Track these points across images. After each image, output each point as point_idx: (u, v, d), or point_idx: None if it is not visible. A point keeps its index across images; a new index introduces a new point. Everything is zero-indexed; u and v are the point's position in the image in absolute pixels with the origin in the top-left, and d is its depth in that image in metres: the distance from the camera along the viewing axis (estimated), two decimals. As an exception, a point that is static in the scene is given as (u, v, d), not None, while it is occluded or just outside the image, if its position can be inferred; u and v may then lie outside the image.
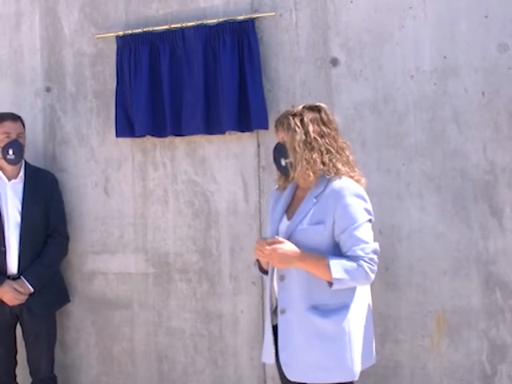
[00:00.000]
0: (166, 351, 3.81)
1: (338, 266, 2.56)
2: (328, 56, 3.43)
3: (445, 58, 3.23)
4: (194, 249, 3.72)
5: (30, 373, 3.75)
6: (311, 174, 2.66)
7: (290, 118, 2.70)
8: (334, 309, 2.63)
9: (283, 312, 2.66)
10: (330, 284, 2.59)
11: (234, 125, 3.49)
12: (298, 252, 2.58)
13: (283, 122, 2.72)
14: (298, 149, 2.66)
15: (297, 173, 2.69)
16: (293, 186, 2.81)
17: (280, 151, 2.73)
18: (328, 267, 2.55)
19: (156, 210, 3.80)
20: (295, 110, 2.72)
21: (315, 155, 2.66)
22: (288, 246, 2.59)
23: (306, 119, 2.68)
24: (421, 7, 3.26)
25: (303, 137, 2.66)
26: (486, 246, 3.19)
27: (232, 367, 3.67)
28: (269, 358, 2.77)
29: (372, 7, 3.34)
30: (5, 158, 3.67)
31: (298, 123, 2.68)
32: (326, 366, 2.61)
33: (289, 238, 2.63)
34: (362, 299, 2.72)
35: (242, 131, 3.54)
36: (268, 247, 2.59)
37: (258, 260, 2.80)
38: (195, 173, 3.71)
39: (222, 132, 3.56)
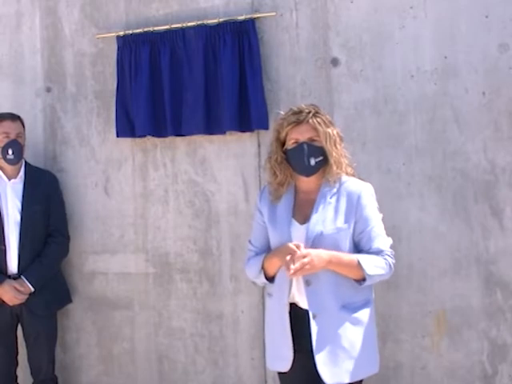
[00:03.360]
0: (166, 351, 3.81)
1: (368, 263, 2.58)
2: (328, 56, 3.43)
3: (445, 57, 3.23)
4: (194, 249, 3.72)
5: (31, 373, 3.75)
6: (343, 172, 2.67)
7: (322, 116, 2.66)
8: (359, 306, 2.65)
9: (315, 316, 2.61)
10: (359, 281, 2.60)
11: (235, 125, 3.49)
12: (328, 254, 2.56)
13: (317, 120, 2.64)
14: (339, 147, 2.66)
15: (341, 169, 2.65)
16: (291, 191, 2.75)
17: (311, 150, 2.64)
18: (359, 265, 2.56)
19: (156, 210, 3.80)
20: (319, 110, 2.68)
21: (344, 155, 2.70)
22: (317, 250, 2.56)
23: (330, 119, 2.70)
24: (421, 7, 3.26)
25: (336, 137, 2.67)
26: (487, 245, 3.19)
27: (232, 367, 3.67)
28: (283, 365, 2.68)
29: (372, 7, 3.34)
30: (4, 158, 3.68)
31: (329, 122, 2.68)
32: (363, 363, 2.62)
33: (311, 242, 2.60)
34: None
35: (243, 131, 3.54)
36: (306, 257, 2.50)
37: (263, 268, 2.73)
38: (195, 173, 3.71)
39: (223, 132, 3.56)
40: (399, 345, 3.33)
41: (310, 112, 2.66)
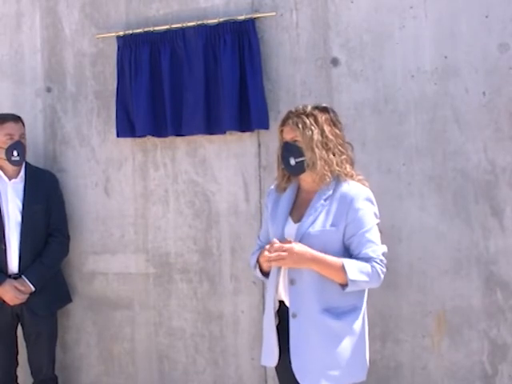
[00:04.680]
0: (166, 351, 3.81)
1: (352, 268, 2.55)
2: (328, 56, 3.42)
3: (445, 57, 3.23)
4: (194, 249, 3.72)
5: (31, 373, 3.75)
6: (329, 174, 2.65)
7: (304, 117, 2.66)
8: (345, 311, 2.63)
9: (295, 316, 2.62)
10: (343, 286, 2.58)
11: (235, 125, 3.49)
12: (312, 253, 2.56)
13: (296, 121, 2.66)
14: (316, 149, 2.63)
15: (316, 172, 2.65)
16: (294, 187, 2.79)
17: (290, 150, 2.68)
18: (343, 268, 2.55)
19: (157, 210, 3.80)
20: (306, 110, 2.68)
21: (331, 156, 2.66)
22: (302, 247, 2.57)
23: (319, 119, 2.67)
24: (421, 7, 3.25)
25: (319, 137, 2.64)
26: (487, 245, 3.19)
27: (233, 367, 3.67)
28: (271, 360, 2.73)
29: (372, 7, 3.33)
30: (9, 160, 3.67)
31: (313, 123, 2.65)
32: (340, 368, 2.59)
33: (299, 241, 2.61)
34: (365, 301, 2.73)
35: (243, 131, 3.54)
36: (284, 250, 2.54)
37: (258, 262, 2.78)
38: (196, 173, 3.71)
39: (223, 132, 3.57)
40: (399, 345, 3.33)
41: (296, 112, 2.69)
